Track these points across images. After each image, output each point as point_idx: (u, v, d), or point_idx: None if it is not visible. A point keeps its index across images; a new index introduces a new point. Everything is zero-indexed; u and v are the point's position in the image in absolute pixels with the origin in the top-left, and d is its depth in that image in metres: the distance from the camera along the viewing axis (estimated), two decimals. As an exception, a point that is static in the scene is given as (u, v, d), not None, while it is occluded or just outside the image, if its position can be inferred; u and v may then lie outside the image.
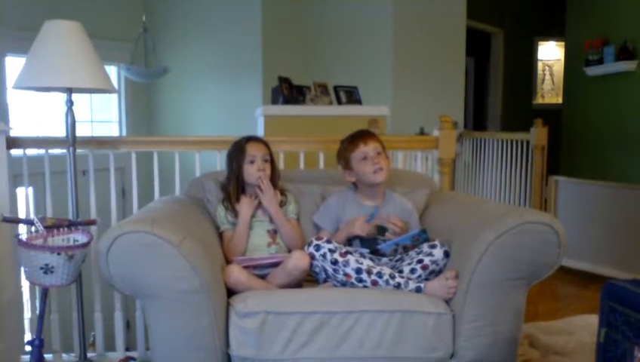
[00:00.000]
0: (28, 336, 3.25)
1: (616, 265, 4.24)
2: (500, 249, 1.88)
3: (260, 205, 2.34)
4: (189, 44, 5.92)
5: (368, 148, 2.31)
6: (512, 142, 5.39)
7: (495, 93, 8.31)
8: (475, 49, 7.68)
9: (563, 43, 7.56)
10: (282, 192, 2.41)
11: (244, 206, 2.31)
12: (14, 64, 4.90)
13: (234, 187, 2.34)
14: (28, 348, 2.15)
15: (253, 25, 5.33)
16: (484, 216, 2.05)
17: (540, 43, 8.59)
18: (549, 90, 8.69)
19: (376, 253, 2.18)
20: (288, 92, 4.38)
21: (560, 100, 7.83)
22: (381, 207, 2.36)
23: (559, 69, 8.36)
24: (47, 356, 2.58)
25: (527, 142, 5.20)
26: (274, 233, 2.34)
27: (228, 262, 2.17)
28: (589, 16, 6.63)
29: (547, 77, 8.69)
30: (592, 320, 3.08)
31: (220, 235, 2.32)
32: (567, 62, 7.19)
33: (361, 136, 2.37)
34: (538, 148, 5.10)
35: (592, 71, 6.42)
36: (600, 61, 6.32)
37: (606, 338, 1.74)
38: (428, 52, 5.88)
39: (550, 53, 8.65)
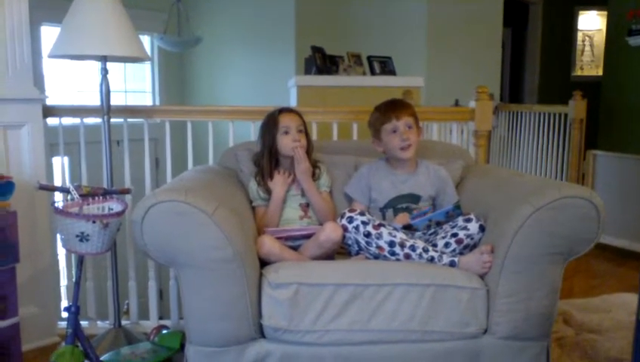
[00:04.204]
0: (64, 303, 3.32)
1: (656, 242, 4.15)
2: (536, 223, 1.83)
3: (293, 181, 2.32)
4: (222, 13, 5.90)
5: (399, 123, 2.27)
6: (549, 115, 5.29)
7: (532, 65, 8.13)
8: (513, 19, 7.49)
9: (605, 12, 7.32)
10: (315, 164, 2.38)
11: (278, 184, 2.28)
12: (50, 33, 4.94)
13: (267, 161, 2.30)
14: (64, 314, 2.18)
15: (286, -6, 5.28)
16: (521, 189, 2.00)
17: (580, 13, 8.34)
18: (589, 62, 8.46)
19: (408, 229, 2.15)
20: (321, 62, 4.34)
21: (600, 72, 7.62)
22: (414, 175, 2.33)
23: (600, 39, 8.12)
24: (83, 322, 2.63)
25: (565, 115, 5.08)
26: (306, 206, 2.33)
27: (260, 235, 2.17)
28: (634, -16, 6.40)
29: (587, 48, 8.46)
30: (630, 298, 3.03)
31: (253, 207, 2.32)
32: (608, 32, 6.96)
33: (395, 108, 2.31)
34: (576, 121, 4.99)
35: (635, 41, 6.21)
36: (644, 31, 6.13)
37: (646, 317, 1.70)
38: (464, 22, 5.76)
39: (591, 23, 8.40)
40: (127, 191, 2.44)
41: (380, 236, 2.00)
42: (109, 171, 2.56)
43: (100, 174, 2.63)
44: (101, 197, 2.24)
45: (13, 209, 2.30)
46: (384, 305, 1.83)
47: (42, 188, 2.22)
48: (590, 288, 3.51)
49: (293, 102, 4.27)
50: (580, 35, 8.43)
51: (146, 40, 5.81)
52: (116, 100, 2.65)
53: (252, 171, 2.36)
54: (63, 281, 3.00)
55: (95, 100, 2.61)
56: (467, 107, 3.09)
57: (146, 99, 6.19)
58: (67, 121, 2.80)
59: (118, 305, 2.66)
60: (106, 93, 2.49)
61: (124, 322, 2.71)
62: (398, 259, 1.99)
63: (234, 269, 1.79)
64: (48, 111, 2.68)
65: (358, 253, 2.07)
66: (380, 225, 2.03)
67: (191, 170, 2.45)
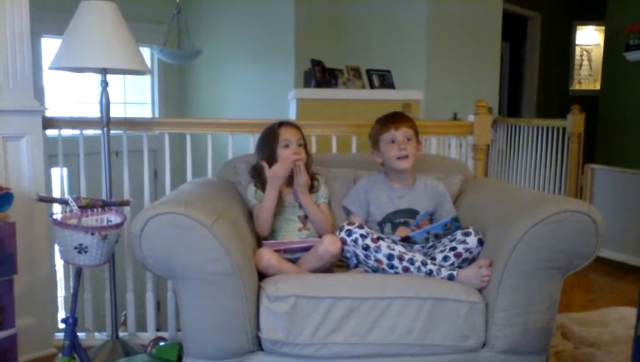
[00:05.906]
0: (62, 314, 3.31)
1: (653, 257, 4.15)
2: (535, 237, 1.84)
3: (290, 186, 2.31)
4: (222, 26, 5.93)
5: (398, 133, 2.28)
6: (547, 129, 5.29)
7: (531, 79, 8.16)
8: (511, 33, 7.53)
9: (603, 27, 7.36)
10: (314, 176, 2.39)
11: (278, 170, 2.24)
12: (50, 45, 4.95)
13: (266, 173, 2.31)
14: (62, 325, 2.18)
15: (286, 7, 5.30)
16: (520, 203, 2.01)
17: (578, 27, 8.39)
18: (587, 76, 8.50)
19: (407, 241, 2.15)
20: (321, 75, 4.36)
21: (598, 87, 7.65)
22: (411, 190, 2.34)
23: (598, 54, 8.16)
24: (80, 334, 2.62)
25: (564, 129, 5.09)
26: (304, 218, 2.33)
27: (259, 237, 2.16)
28: (632, -1, 6.45)
29: (585, 62, 8.49)
30: (627, 312, 3.03)
31: (250, 213, 2.31)
32: (606, 47, 7.00)
33: (394, 120, 2.34)
34: (575, 135, 5.00)
35: (633, 56, 6.25)
36: (642, 46, 6.16)
37: (644, 332, 1.70)
38: (463, 36, 5.79)
39: (589, 37, 8.44)
40: (126, 203, 2.45)
41: (378, 249, 2.00)
42: (108, 183, 2.56)
43: (99, 186, 2.63)
44: (100, 209, 2.24)
45: (12, 220, 2.29)
46: (382, 318, 1.83)
47: (41, 199, 2.22)
48: (589, 302, 3.51)
49: (292, 115, 4.28)
50: (578, 50, 8.47)
51: (146, 52, 5.83)
52: (116, 112, 2.65)
53: (250, 182, 2.36)
54: (61, 292, 2.99)
55: (94, 111, 2.61)
56: (466, 121, 3.09)
57: (145, 111, 6.19)
58: (66, 132, 2.80)
59: (116, 316, 2.65)
60: (105, 105, 2.49)
61: (121, 334, 2.70)
62: (396, 272, 1.99)
63: (232, 282, 1.79)
64: (48, 122, 2.68)
65: (356, 266, 2.07)
66: (379, 238, 2.03)
67: (190, 182, 2.45)
